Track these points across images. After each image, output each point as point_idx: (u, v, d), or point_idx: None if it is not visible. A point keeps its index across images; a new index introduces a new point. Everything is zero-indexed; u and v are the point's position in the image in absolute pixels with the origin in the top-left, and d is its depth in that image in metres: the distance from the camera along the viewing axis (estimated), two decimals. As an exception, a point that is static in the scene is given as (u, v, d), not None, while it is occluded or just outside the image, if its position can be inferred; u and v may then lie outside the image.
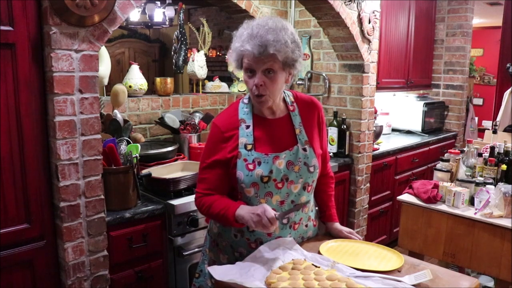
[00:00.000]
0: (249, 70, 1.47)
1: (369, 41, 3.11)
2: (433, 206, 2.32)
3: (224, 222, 1.51)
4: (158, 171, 2.29)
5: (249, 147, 1.51)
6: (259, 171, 1.49)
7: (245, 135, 1.53)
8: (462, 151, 2.59)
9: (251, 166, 1.49)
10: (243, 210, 1.44)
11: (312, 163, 1.56)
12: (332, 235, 1.73)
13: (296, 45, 1.47)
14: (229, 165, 1.53)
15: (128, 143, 2.11)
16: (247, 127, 1.54)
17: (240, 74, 3.29)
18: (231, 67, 3.31)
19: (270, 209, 1.40)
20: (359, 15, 2.98)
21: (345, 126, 3.20)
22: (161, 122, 2.70)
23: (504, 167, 2.31)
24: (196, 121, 2.75)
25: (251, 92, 1.49)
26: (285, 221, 1.56)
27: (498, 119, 3.51)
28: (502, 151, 2.42)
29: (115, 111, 2.33)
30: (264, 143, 1.54)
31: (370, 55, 3.15)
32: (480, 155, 2.49)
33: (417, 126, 4.41)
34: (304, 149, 1.56)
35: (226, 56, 3.36)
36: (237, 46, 1.46)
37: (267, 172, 1.49)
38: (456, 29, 4.52)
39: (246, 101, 1.60)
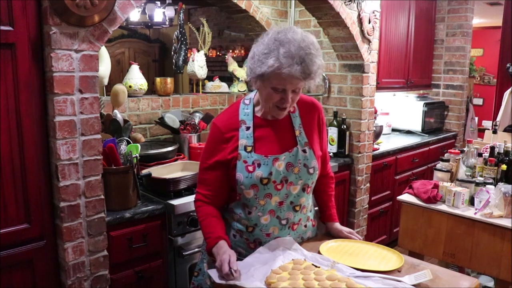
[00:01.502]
0: (279, 89, 1.43)
1: (369, 41, 3.11)
2: (433, 206, 2.32)
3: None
4: (158, 171, 2.29)
5: (249, 149, 1.51)
6: (258, 173, 1.49)
7: (245, 137, 1.53)
8: (462, 151, 2.59)
9: (250, 168, 1.49)
10: (217, 249, 1.45)
11: (311, 164, 1.56)
12: (332, 235, 1.73)
13: (322, 68, 1.46)
14: (228, 166, 1.53)
15: (128, 143, 2.11)
16: (247, 128, 1.54)
17: (240, 74, 3.29)
18: (231, 67, 3.31)
19: (227, 263, 1.35)
20: (359, 15, 2.98)
21: (345, 126, 3.20)
22: (161, 122, 2.70)
23: (504, 167, 2.31)
24: (196, 121, 2.75)
25: (273, 104, 1.47)
26: (284, 221, 1.57)
27: (498, 119, 3.51)
28: (502, 151, 2.42)
29: (115, 111, 2.33)
30: (264, 144, 1.53)
31: (370, 55, 3.15)
32: (480, 155, 2.49)
33: (417, 126, 4.41)
34: (304, 151, 1.56)
35: (226, 56, 3.36)
36: (273, 64, 1.36)
37: (266, 174, 1.49)
38: (456, 29, 4.52)
39: (247, 102, 1.59)
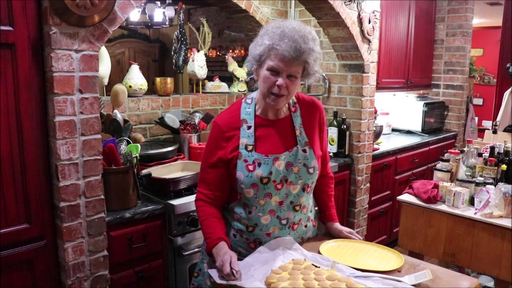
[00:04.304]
0: (273, 70, 1.46)
1: (369, 41, 3.11)
2: (433, 206, 2.32)
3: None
4: (158, 171, 2.29)
5: (250, 148, 1.51)
6: (258, 172, 1.49)
7: (246, 136, 1.53)
8: (462, 151, 2.59)
9: (251, 167, 1.49)
10: (217, 250, 1.45)
11: (311, 164, 1.56)
12: (332, 235, 1.73)
13: (319, 57, 1.51)
14: (229, 165, 1.53)
15: (128, 143, 2.11)
16: (249, 127, 1.54)
17: (240, 74, 3.29)
18: (231, 67, 3.31)
19: (228, 263, 1.36)
20: (359, 15, 2.98)
21: (345, 126, 3.20)
22: (161, 122, 2.70)
23: (504, 167, 2.31)
24: (196, 121, 2.75)
25: (268, 90, 1.48)
26: (284, 221, 1.57)
27: (498, 119, 3.51)
28: (502, 151, 2.42)
29: (115, 111, 2.33)
30: (264, 144, 1.54)
31: (370, 55, 3.15)
32: (480, 155, 2.49)
33: (417, 126, 4.41)
34: (304, 151, 1.56)
35: (226, 56, 3.36)
36: (267, 44, 1.44)
37: (266, 173, 1.49)
38: (456, 29, 4.52)
39: (249, 101, 1.60)
